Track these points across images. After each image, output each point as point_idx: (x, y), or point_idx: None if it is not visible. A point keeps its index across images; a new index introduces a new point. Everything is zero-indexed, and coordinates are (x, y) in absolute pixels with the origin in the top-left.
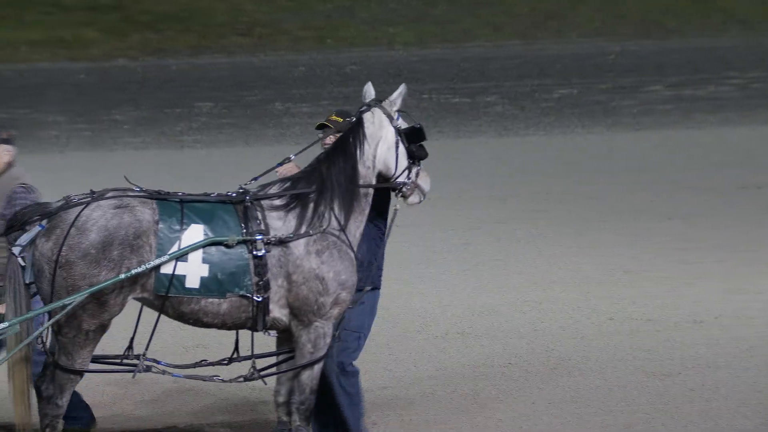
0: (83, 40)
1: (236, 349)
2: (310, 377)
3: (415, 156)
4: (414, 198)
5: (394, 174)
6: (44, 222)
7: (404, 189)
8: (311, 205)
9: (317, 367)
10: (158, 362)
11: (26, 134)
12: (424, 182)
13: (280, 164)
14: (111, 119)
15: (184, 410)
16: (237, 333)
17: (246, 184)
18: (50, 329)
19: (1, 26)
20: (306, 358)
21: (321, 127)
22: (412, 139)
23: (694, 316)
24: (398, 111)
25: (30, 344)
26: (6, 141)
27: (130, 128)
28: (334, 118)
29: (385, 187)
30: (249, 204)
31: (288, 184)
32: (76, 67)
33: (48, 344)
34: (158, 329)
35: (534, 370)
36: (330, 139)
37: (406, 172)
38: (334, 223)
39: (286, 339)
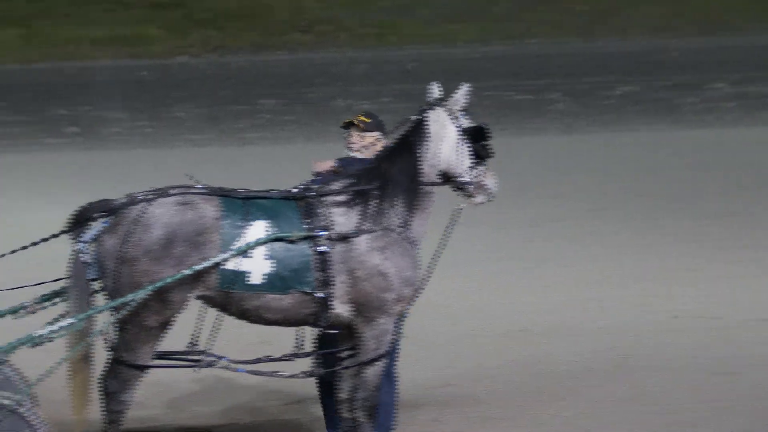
0: (145, 38)
1: (301, 345)
2: (373, 374)
3: (479, 155)
4: (479, 198)
5: (458, 173)
6: (108, 218)
7: (468, 188)
8: (374, 202)
9: (380, 364)
10: (222, 357)
11: (88, 131)
12: (491, 182)
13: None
14: (173, 116)
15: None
16: (302, 329)
17: (308, 181)
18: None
19: (65, 24)
20: (369, 355)
21: (348, 125)
22: (476, 138)
23: (759, 314)
24: (462, 110)
25: (92, 342)
26: None
27: (191, 125)
28: (361, 117)
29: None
30: (312, 200)
31: (351, 181)
32: (138, 64)
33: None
34: (221, 326)
35: (598, 368)
36: (355, 138)
37: (470, 171)
38: (397, 220)
39: (349, 335)
